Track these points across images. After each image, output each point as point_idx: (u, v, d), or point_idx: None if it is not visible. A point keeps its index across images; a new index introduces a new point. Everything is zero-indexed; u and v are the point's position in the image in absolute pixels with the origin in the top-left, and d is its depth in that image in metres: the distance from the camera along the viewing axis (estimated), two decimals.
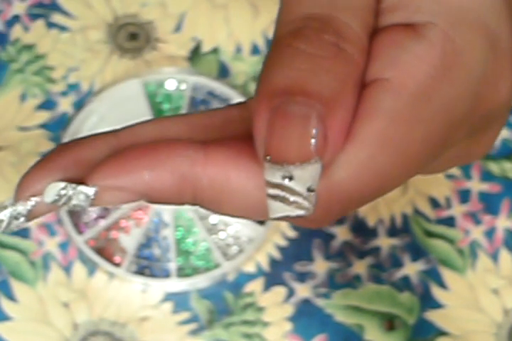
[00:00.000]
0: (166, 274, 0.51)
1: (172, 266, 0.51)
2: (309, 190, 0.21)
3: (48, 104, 0.54)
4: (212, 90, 0.53)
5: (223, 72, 0.54)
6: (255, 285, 0.51)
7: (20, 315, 0.50)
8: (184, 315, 0.51)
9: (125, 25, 0.55)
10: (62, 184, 0.21)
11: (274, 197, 0.21)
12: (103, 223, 0.51)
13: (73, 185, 0.21)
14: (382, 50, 0.22)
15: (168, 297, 0.51)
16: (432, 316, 0.51)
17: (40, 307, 0.50)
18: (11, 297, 0.50)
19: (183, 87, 0.53)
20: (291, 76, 0.20)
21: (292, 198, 0.21)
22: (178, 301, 0.51)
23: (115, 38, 0.55)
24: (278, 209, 0.21)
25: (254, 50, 0.55)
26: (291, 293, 0.51)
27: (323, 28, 0.21)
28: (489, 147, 0.25)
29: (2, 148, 0.53)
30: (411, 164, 0.22)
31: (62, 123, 0.53)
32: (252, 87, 0.54)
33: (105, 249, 0.51)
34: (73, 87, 0.54)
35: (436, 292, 0.51)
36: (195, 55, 0.55)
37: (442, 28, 0.22)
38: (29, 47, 0.55)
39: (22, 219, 0.23)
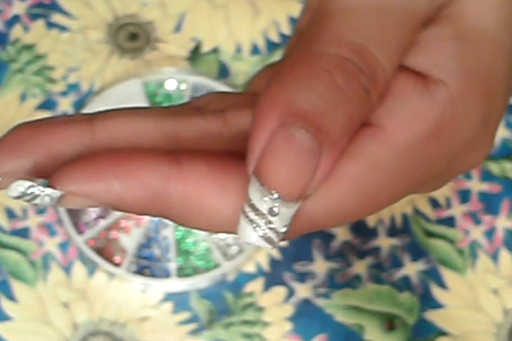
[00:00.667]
0: (166, 274, 0.51)
1: (172, 266, 0.51)
2: (284, 226, 0.20)
3: (47, 104, 0.54)
4: (213, 90, 0.53)
5: (223, 72, 0.54)
6: (255, 285, 0.51)
7: (20, 315, 0.50)
8: (184, 315, 0.51)
9: (125, 25, 0.55)
10: (29, 183, 0.21)
11: (249, 219, 0.20)
12: (103, 223, 0.51)
13: (40, 187, 0.21)
14: (389, 96, 0.22)
15: (168, 297, 0.51)
16: (432, 316, 0.51)
17: (40, 307, 0.50)
18: (11, 297, 0.50)
19: (183, 87, 0.53)
20: (315, 103, 0.20)
21: (265, 229, 0.20)
22: (178, 301, 0.51)
23: (115, 38, 0.55)
24: (248, 234, 0.21)
25: (254, 50, 0.55)
26: (291, 293, 0.51)
27: (362, 68, 0.21)
28: (478, 163, 0.25)
29: None
30: (378, 206, 0.22)
31: None
32: None
33: (105, 249, 0.51)
34: (73, 87, 0.54)
35: (436, 292, 0.51)
36: (195, 55, 0.55)
37: (451, 92, 0.22)
38: (29, 47, 0.55)
39: None
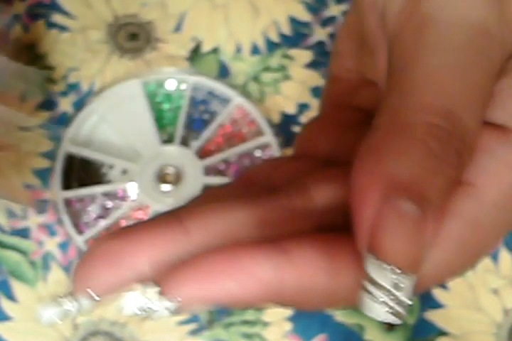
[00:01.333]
0: None
1: None
2: (408, 297, 0.20)
3: (48, 104, 0.54)
4: (213, 90, 0.53)
5: (223, 72, 0.54)
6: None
7: (20, 315, 0.50)
8: (184, 315, 0.51)
9: (125, 25, 0.55)
10: (143, 300, 0.20)
11: (372, 295, 0.20)
12: (103, 223, 0.51)
13: (156, 302, 0.20)
14: (476, 153, 0.22)
15: None
16: (432, 316, 0.51)
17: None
18: (11, 297, 0.50)
19: (183, 86, 0.53)
20: (415, 173, 0.20)
21: (392, 304, 0.20)
22: None
23: (115, 38, 0.55)
24: (375, 311, 0.21)
25: (254, 50, 0.55)
26: None
27: (453, 133, 0.21)
28: None
29: (2, 148, 0.53)
30: (480, 259, 0.23)
31: (62, 123, 0.53)
32: (252, 87, 0.54)
33: None
34: (73, 87, 0.54)
35: (436, 292, 0.51)
36: (195, 55, 0.55)
37: None
38: (29, 47, 0.55)
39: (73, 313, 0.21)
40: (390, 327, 0.51)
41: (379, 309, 0.20)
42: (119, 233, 0.22)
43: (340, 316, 0.50)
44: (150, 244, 0.22)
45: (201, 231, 0.22)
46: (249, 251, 0.21)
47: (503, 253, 0.52)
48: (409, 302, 0.21)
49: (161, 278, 0.21)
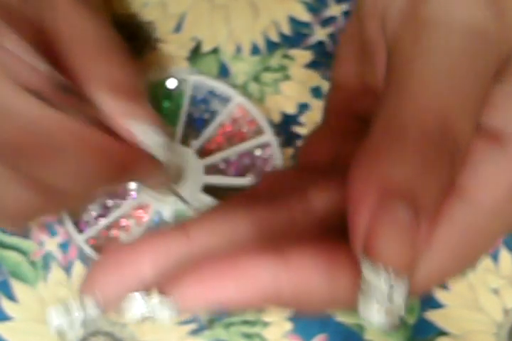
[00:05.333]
0: None
1: None
2: (403, 299, 0.21)
3: None
4: (213, 89, 0.53)
5: (223, 72, 0.54)
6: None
7: (20, 315, 0.50)
8: (184, 315, 0.50)
9: (125, 25, 0.55)
10: (145, 304, 0.21)
11: (368, 298, 0.21)
12: (103, 222, 0.51)
13: (156, 304, 0.21)
14: (468, 158, 0.22)
15: None
16: (432, 316, 0.51)
17: (41, 308, 0.50)
18: (11, 297, 0.50)
19: (184, 86, 0.53)
20: (409, 178, 0.21)
21: (388, 305, 0.21)
22: None
23: None
24: (372, 314, 0.21)
25: (254, 50, 0.55)
26: None
27: (448, 137, 0.21)
28: None
29: None
30: (474, 263, 0.23)
31: None
32: (252, 87, 0.54)
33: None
34: None
35: (437, 292, 0.51)
36: (195, 54, 0.55)
37: None
38: None
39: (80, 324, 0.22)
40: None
41: (375, 312, 0.21)
42: (125, 243, 0.23)
43: (340, 316, 0.50)
44: (152, 250, 0.23)
45: (202, 237, 0.23)
46: (250, 257, 0.22)
47: (503, 253, 0.52)
48: (403, 304, 0.21)
49: (164, 282, 0.22)
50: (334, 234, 0.23)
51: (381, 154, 0.21)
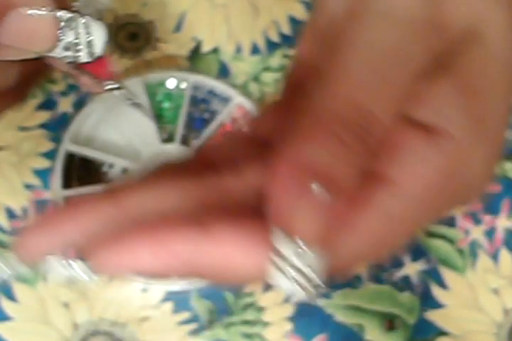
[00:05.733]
0: None
1: None
2: (314, 273, 0.22)
3: (48, 104, 0.54)
4: (213, 89, 0.53)
5: (223, 72, 0.54)
6: (255, 285, 0.51)
7: (20, 315, 0.50)
8: (184, 315, 0.50)
9: (125, 25, 0.55)
10: (63, 261, 0.21)
11: (279, 269, 0.22)
12: None
13: (73, 263, 0.21)
14: (396, 149, 0.23)
15: (169, 297, 0.51)
16: (432, 316, 0.51)
17: (41, 308, 0.50)
18: (11, 297, 0.50)
19: (184, 85, 0.53)
20: (327, 161, 0.22)
21: (297, 276, 0.21)
22: (179, 301, 0.51)
23: (115, 38, 0.55)
24: (282, 282, 0.22)
25: (254, 50, 0.55)
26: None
27: (365, 126, 0.22)
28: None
29: (2, 148, 0.53)
30: (393, 249, 0.24)
31: (62, 123, 0.53)
32: (252, 87, 0.54)
33: None
34: (73, 87, 0.54)
35: (437, 292, 0.51)
36: (195, 54, 0.55)
37: (457, 142, 0.23)
38: None
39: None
40: (390, 327, 0.51)
41: (286, 282, 0.21)
42: (58, 208, 0.24)
43: (340, 316, 0.50)
44: (81, 214, 0.23)
45: (131, 205, 0.24)
46: (172, 228, 0.22)
47: (503, 253, 0.52)
48: (314, 277, 0.21)
49: (88, 246, 0.22)
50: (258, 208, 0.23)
51: (302, 137, 0.22)
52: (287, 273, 0.21)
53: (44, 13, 0.18)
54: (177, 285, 0.50)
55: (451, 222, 0.53)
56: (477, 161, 0.24)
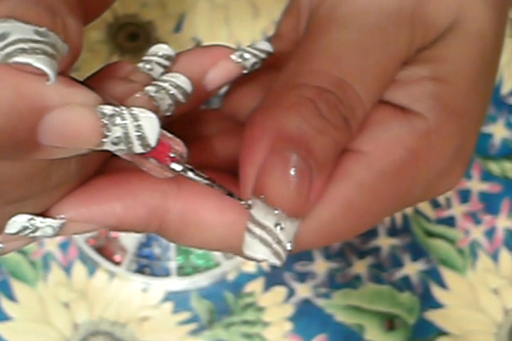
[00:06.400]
0: (166, 273, 0.51)
1: (172, 264, 0.51)
2: (289, 241, 0.22)
3: None
4: None
5: None
6: (255, 285, 0.51)
7: (20, 315, 0.50)
8: (184, 315, 0.51)
9: (125, 25, 0.55)
10: (28, 216, 0.21)
11: (255, 235, 0.21)
12: None
13: (40, 219, 0.21)
14: (370, 125, 0.23)
15: (169, 296, 0.51)
16: (432, 316, 0.51)
17: (41, 308, 0.50)
18: (11, 297, 0.50)
19: None
20: (303, 128, 0.22)
21: (273, 244, 0.21)
22: (179, 301, 0.51)
23: (115, 38, 0.55)
24: (256, 250, 0.22)
25: None
26: (291, 293, 0.51)
27: (343, 100, 0.22)
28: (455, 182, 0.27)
29: None
30: (364, 227, 0.24)
31: None
32: None
33: (105, 248, 0.51)
34: None
35: (437, 292, 0.51)
36: None
37: (429, 125, 0.23)
38: None
39: None
40: (390, 327, 0.51)
41: (260, 247, 0.21)
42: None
43: (340, 316, 0.51)
44: None
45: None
46: (141, 177, 0.22)
47: (503, 253, 0.52)
48: (288, 245, 0.21)
49: (57, 203, 0.21)
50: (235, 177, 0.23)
51: (277, 107, 0.22)
52: (259, 236, 0.21)
53: (81, 112, 0.18)
54: (177, 286, 0.51)
55: (451, 222, 0.53)
56: (448, 151, 0.24)
